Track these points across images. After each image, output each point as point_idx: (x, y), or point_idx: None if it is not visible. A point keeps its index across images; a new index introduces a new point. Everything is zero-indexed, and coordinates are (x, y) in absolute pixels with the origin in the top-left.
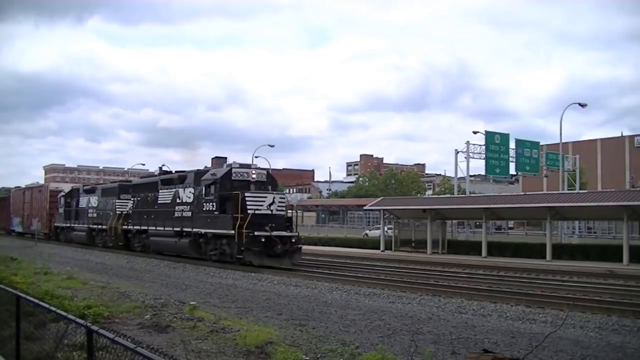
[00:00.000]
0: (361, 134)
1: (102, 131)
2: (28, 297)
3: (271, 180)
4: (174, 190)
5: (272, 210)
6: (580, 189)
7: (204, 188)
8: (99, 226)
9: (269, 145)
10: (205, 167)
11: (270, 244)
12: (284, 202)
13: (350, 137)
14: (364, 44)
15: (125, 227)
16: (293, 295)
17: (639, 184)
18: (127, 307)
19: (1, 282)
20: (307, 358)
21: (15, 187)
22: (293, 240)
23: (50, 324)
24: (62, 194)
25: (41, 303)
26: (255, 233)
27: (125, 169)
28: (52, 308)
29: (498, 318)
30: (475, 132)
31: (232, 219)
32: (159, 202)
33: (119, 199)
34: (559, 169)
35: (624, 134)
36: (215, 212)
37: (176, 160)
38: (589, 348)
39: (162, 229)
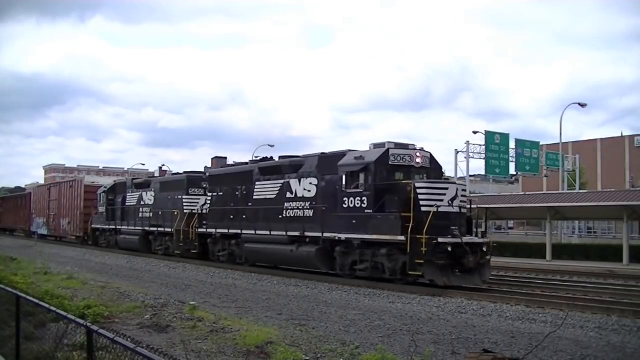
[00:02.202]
0: (362, 133)
1: (103, 131)
2: (28, 297)
3: (436, 167)
4: (281, 181)
5: (455, 208)
6: (580, 189)
7: (344, 177)
8: (159, 229)
9: (269, 145)
10: (290, 156)
11: (457, 254)
12: (466, 196)
13: (351, 137)
14: (366, 43)
15: (201, 230)
16: (293, 295)
17: (639, 184)
18: (127, 307)
19: (1, 282)
20: (307, 358)
21: (39, 184)
22: (484, 249)
23: (50, 324)
24: (103, 189)
25: (41, 303)
26: (439, 240)
27: (125, 169)
28: (52, 308)
29: (498, 318)
30: (475, 132)
31: (400, 219)
32: (255, 197)
33: (188, 194)
34: (559, 169)
35: (624, 134)
36: (368, 211)
37: (176, 160)
38: (589, 348)
39: (266, 233)
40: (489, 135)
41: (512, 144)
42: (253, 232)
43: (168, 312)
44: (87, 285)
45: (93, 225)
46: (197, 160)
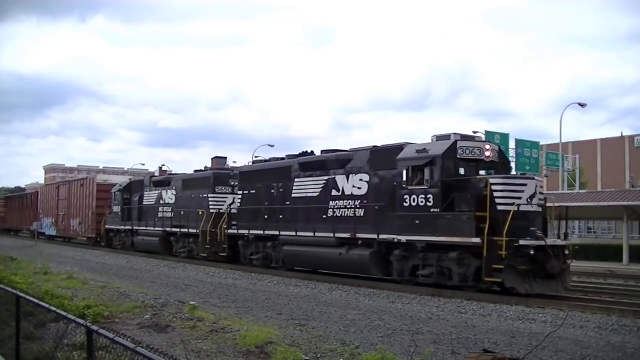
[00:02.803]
0: (363, 133)
1: (103, 131)
2: (28, 297)
3: (504, 161)
4: (325, 178)
5: (534, 206)
6: (580, 189)
7: (404, 172)
8: (181, 230)
9: (269, 145)
10: (334, 149)
11: (539, 258)
12: (542, 193)
13: (351, 137)
14: (366, 43)
15: (231, 231)
16: (293, 295)
17: (639, 184)
18: (127, 307)
19: (1, 282)
20: (307, 358)
21: (39, 184)
22: (566, 253)
23: (50, 324)
24: (118, 187)
25: (41, 303)
26: (521, 242)
27: (126, 169)
28: (52, 308)
29: (498, 318)
30: (475, 132)
31: (474, 219)
32: (294, 195)
33: (215, 192)
34: (559, 169)
35: (624, 134)
36: (434, 210)
37: (176, 160)
38: (589, 348)
39: (308, 234)
40: (489, 135)
41: (512, 144)
42: (293, 233)
43: (168, 312)
44: (87, 285)
45: (107, 226)
46: (197, 160)
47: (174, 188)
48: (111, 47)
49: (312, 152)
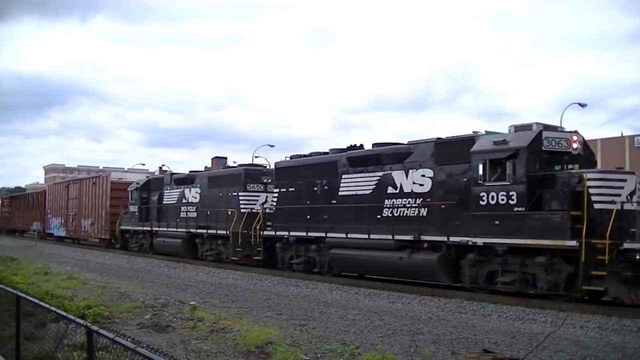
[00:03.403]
0: (363, 134)
1: (104, 131)
2: (28, 297)
3: (590, 154)
4: (379, 173)
5: (634, 204)
6: None
7: (480, 166)
8: (207, 231)
9: (269, 145)
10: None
11: None
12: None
13: (352, 137)
14: (367, 43)
15: (268, 232)
16: (293, 295)
17: None
18: (127, 307)
19: (1, 282)
20: (307, 358)
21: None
22: None
23: (50, 324)
24: (135, 186)
25: (41, 303)
26: (625, 245)
27: (126, 169)
28: (52, 308)
29: (498, 318)
30: (475, 132)
31: (569, 220)
32: (341, 193)
33: (246, 190)
34: None
35: (624, 134)
36: (518, 209)
37: (177, 160)
38: (589, 348)
39: (361, 237)
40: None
41: None
42: (343, 235)
43: (168, 312)
44: (87, 285)
45: (122, 227)
46: (197, 161)
47: (198, 186)
48: (111, 47)
49: (362, 145)
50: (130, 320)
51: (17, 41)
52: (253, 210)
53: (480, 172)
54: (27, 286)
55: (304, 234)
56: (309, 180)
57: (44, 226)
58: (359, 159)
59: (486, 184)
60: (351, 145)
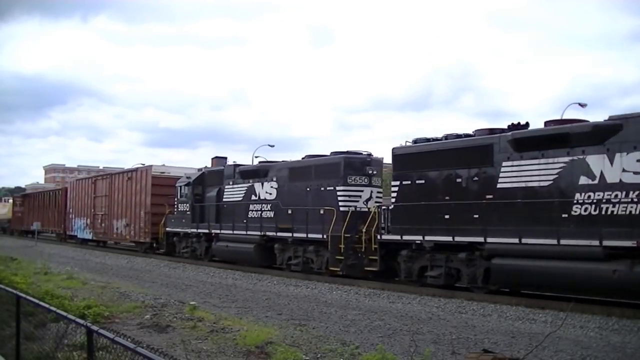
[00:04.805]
0: (363, 133)
1: (104, 131)
2: (28, 297)
3: None
4: (563, 159)
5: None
6: None
7: None
8: (293, 234)
9: (269, 145)
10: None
11: None
12: None
13: (352, 137)
14: (367, 43)
15: (389, 237)
16: (293, 295)
17: None
18: (127, 307)
19: (1, 282)
20: (307, 358)
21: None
22: None
23: (50, 324)
24: (185, 180)
25: (41, 303)
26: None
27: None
28: (52, 308)
29: (498, 318)
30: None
31: None
32: (501, 185)
33: (346, 184)
34: None
35: None
36: None
37: (177, 160)
38: (589, 348)
39: (547, 242)
40: None
41: None
42: (513, 240)
43: (168, 312)
44: (87, 285)
45: (168, 229)
46: (197, 161)
47: (274, 179)
48: (112, 47)
49: (527, 123)
50: (130, 320)
51: (18, 41)
52: (358, 209)
53: None
54: (27, 286)
55: (448, 238)
56: (447, 169)
57: (65, 228)
58: (530, 141)
59: None
60: (513, 125)
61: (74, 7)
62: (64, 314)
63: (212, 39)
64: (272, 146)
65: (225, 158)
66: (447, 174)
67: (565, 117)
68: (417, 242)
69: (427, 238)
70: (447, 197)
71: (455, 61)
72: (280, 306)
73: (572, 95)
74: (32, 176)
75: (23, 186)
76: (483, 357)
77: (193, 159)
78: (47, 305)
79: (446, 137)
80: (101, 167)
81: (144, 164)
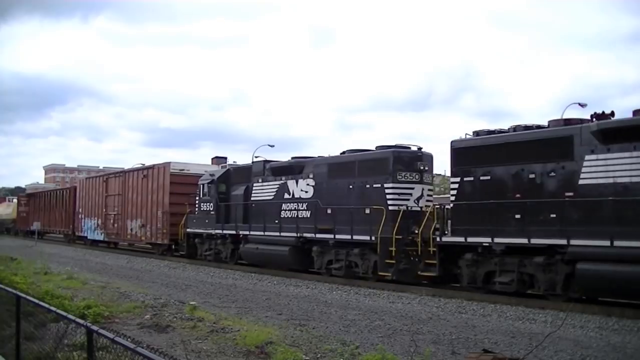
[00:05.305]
0: (364, 133)
1: (105, 131)
2: (28, 297)
3: None
4: None
5: None
6: None
7: None
8: (335, 236)
9: (269, 145)
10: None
11: None
12: None
13: (352, 137)
14: (368, 43)
15: (450, 238)
16: (293, 295)
17: None
18: (127, 307)
19: (1, 282)
20: (307, 358)
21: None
22: None
23: (50, 324)
24: (209, 178)
25: (41, 303)
26: None
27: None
28: (52, 308)
29: (498, 318)
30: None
31: None
32: (583, 181)
33: (396, 180)
34: None
35: None
36: None
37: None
38: (589, 348)
39: None
40: None
41: None
42: (606, 242)
43: (168, 312)
44: (87, 285)
45: (189, 229)
46: (197, 161)
47: (310, 176)
48: (113, 47)
49: (612, 112)
50: (130, 320)
51: (18, 41)
52: (410, 208)
53: None
54: (27, 286)
55: (522, 240)
56: (518, 164)
57: (74, 228)
58: (621, 132)
59: None
60: (596, 114)
61: (75, 7)
62: (64, 314)
63: (213, 39)
64: (272, 146)
65: (225, 158)
66: (518, 169)
67: (565, 117)
68: (484, 244)
69: (498, 240)
70: (517, 195)
71: (455, 61)
72: (280, 306)
73: (572, 95)
74: (32, 176)
75: (23, 186)
76: (483, 357)
77: (193, 159)
78: (47, 305)
79: (515, 128)
80: (101, 167)
81: (143, 164)
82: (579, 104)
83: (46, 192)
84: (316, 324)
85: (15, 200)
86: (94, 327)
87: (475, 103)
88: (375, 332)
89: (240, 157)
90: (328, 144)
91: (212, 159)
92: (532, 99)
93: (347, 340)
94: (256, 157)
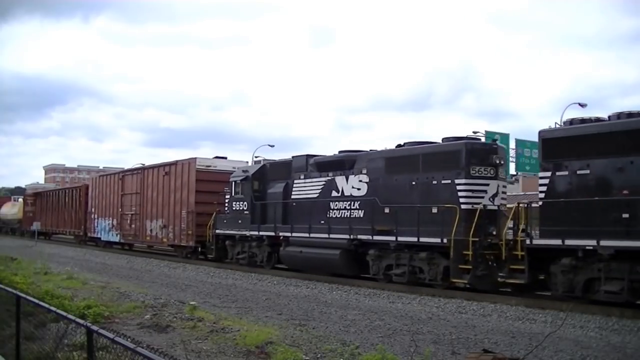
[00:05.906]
0: (364, 133)
1: (105, 131)
2: (28, 297)
3: None
4: None
5: None
6: None
7: None
8: (397, 238)
9: (269, 145)
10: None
11: None
12: None
13: (352, 137)
14: (368, 43)
15: (541, 241)
16: (293, 295)
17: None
18: (127, 307)
19: (1, 282)
20: (307, 358)
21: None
22: None
23: (50, 324)
24: (242, 174)
25: (41, 303)
26: None
27: (145, 166)
28: (52, 308)
29: (498, 318)
30: (475, 132)
31: None
32: None
33: (469, 176)
34: None
35: None
36: None
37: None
38: (589, 348)
39: None
40: (489, 135)
41: (512, 144)
42: None
43: (168, 312)
44: (87, 285)
45: (218, 231)
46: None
47: (363, 171)
48: (113, 47)
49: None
50: (130, 320)
51: (19, 41)
52: (486, 207)
53: None
54: (27, 286)
55: (636, 244)
56: (626, 156)
57: (86, 229)
58: None
59: None
60: None
61: (75, 7)
62: (64, 314)
63: (213, 39)
64: (272, 146)
65: (225, 158)
66: (625, 162)
67: (565, 117)
68: (587, 248)
69: (605, 243)
70: (625, 192)
71: (455, 61)
72: (280, 306)
73: (573, 95)
74: (32, 176)
75: (23, 186)
76: (483, 357)
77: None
78: (47, 305)
79: (618, 116)
80: (101, 167)
81: (143, 164)
82: (579, 104)
83: (55, 191)
84: (316, 324)
85: (20, 200)
86: (94, 327)
87: (475, 103)
88: (375, 332)
89: (240, 157)
90: (328, 144)
91: (212, 158)
92: (532, 99)
93: (347, 340)
94: (256, 157)
